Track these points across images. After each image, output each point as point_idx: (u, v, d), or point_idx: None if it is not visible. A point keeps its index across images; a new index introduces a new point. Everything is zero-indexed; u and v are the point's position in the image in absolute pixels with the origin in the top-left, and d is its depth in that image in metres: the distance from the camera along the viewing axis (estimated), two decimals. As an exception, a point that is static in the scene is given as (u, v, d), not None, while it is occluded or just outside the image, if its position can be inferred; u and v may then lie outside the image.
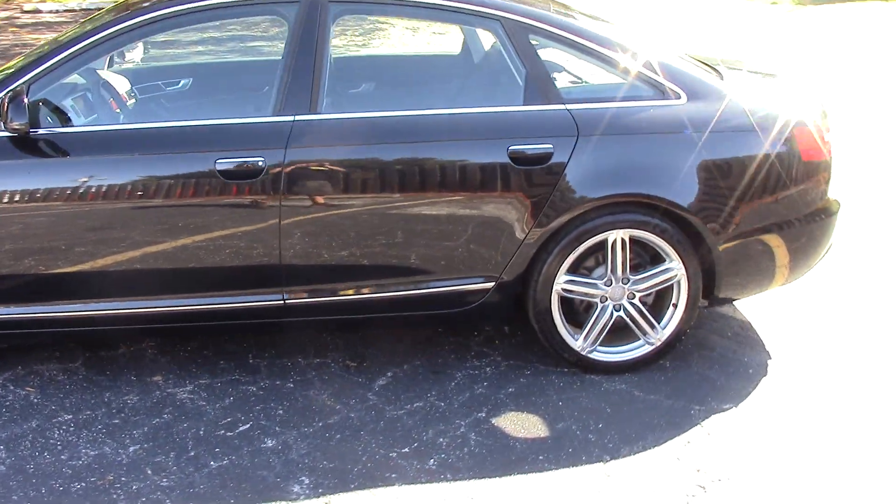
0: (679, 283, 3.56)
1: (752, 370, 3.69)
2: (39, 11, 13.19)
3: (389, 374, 3.62)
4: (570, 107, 3.42)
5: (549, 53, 3.70)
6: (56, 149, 3.22)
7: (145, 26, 3.33)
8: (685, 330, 3.65)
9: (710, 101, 3.53)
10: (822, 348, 3.88)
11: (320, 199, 3.29)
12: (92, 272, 3.29)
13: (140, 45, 4.86)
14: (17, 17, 13.80)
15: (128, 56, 4.85)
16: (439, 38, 12.42)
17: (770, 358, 3.79)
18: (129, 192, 3.22)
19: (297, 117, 3.29)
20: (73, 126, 3.35)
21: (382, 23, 13.12)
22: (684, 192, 3.43)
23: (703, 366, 3.72)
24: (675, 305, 3.60)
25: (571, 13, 3.78)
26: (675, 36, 11.68)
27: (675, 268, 3.53)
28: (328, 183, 3.29)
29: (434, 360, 3.74)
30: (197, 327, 3.61)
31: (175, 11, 3.35)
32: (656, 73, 3.50)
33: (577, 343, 3.58)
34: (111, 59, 4.43)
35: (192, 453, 3.07)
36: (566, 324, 3.59)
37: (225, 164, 3.22)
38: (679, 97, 3.49)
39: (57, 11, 13.40)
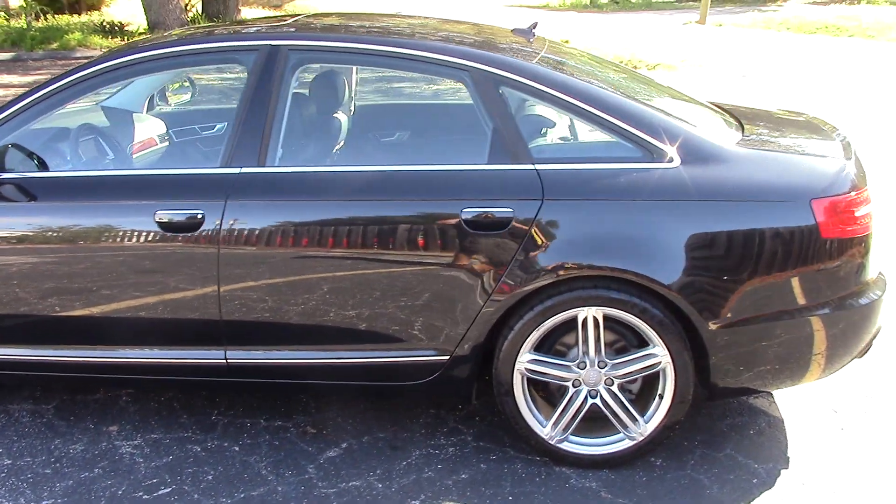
0: (664, 371, 3.10)
1: (756, 480, 3.14)
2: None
3: (344, 445, 3.37)
4: (539, 167, 3.06)
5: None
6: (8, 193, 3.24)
7: (106, 73, 3.30)
8: (674, 425, 3.16)
9: (710, 165, 3.07)
10: (856, 466, 3.27)
11: (260, 257, 3.11)
12: (29, 317, 3.27)
13: (190, 86, 4.94)
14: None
15: (175, 99, 4.93)
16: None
17: (786, 468, 3.22)
18: (71, 241, 3.18)
19: (244, 170, 3.14)
20: (34, 172, 3.34)
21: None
22: (667, 268, 2.98)
23: (700, 468, 3.21)
24: (661, 396, 3.14)
25: (563, 61, 3.43)
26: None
27: (658, 354, 3.07)
28: (268, 240, 3.10)
29: (401, 433, 3.45)
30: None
31: (136, 59, 3.30)
32: (646, 132, 3.08)
33: (545, 430, 3.19)
34: (151, 101, 4.50)
35: (98, 515, 2.96)
36: (533, 407, 3.21)
37: (164, 215, 3.11)
38: (671, 160, 3.05)
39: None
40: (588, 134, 3.28)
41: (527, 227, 3.01)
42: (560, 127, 3.42)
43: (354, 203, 3.11)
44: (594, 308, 3.05)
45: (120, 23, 16.10)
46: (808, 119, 3.81)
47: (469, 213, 3.02)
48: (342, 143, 3.68)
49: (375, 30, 3.54)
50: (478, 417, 3.55)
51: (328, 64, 3.73)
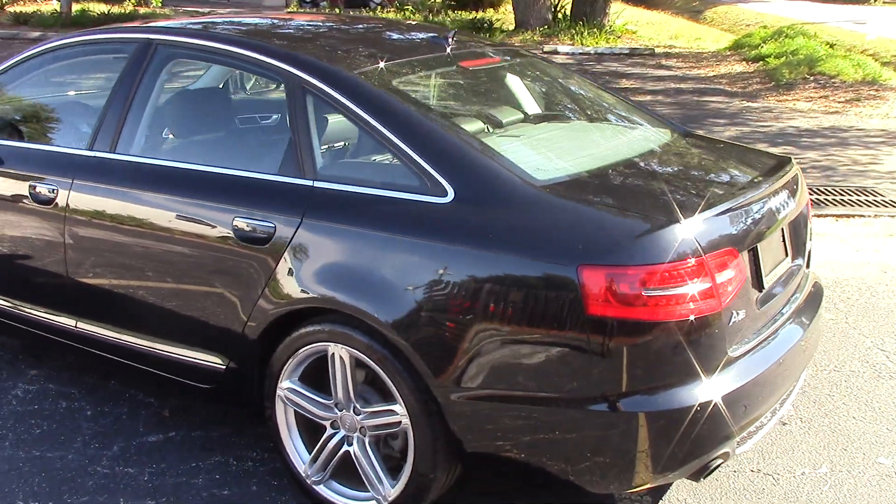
0: (406, 433, 2.70)
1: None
2: (557, 53, 14.17)
3: (172, 434, 3.41)
4: (318, 184, 2.83)
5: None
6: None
7: (41, 55, 3.68)
8: (422, 497, 2.74)
9: (490, 206, 2.59)
10: None
11: (89, 235, 3.29)
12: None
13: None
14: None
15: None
16: None
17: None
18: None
19: (97, 153, 3.32)
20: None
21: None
22: (407, 316, 2.59)
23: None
24: (406, 461, 2.74)
25: (410, 75, 3.11)
26: None
27: (398, 412, 2.68)
28: (94, 220, 3.26)
29: (232, 436, 3.38)
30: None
31: (54, 46, 3.64)
32: (429, 161, 2.69)
33: (303, 467, 2.95)
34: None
35: None
36: (298, 440, 2.98)
37: (34, 188, 3.41)
38: (444, 194, 2.63)
39: (571, 54, 14.25)
40: (388, 157, 2.93)
41: (284, 247, 2.81)
42: (373, 146, 3.07)
43: (154, 196, 3.14)
44: (340, 346, 2.75)
45: (490, 20, 16.95)
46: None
47: (239, 222, 2.90)
48: (174, 136, 3.65)
49: (239, 29, 3.51)
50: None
51: (190, 60, 3.73)
